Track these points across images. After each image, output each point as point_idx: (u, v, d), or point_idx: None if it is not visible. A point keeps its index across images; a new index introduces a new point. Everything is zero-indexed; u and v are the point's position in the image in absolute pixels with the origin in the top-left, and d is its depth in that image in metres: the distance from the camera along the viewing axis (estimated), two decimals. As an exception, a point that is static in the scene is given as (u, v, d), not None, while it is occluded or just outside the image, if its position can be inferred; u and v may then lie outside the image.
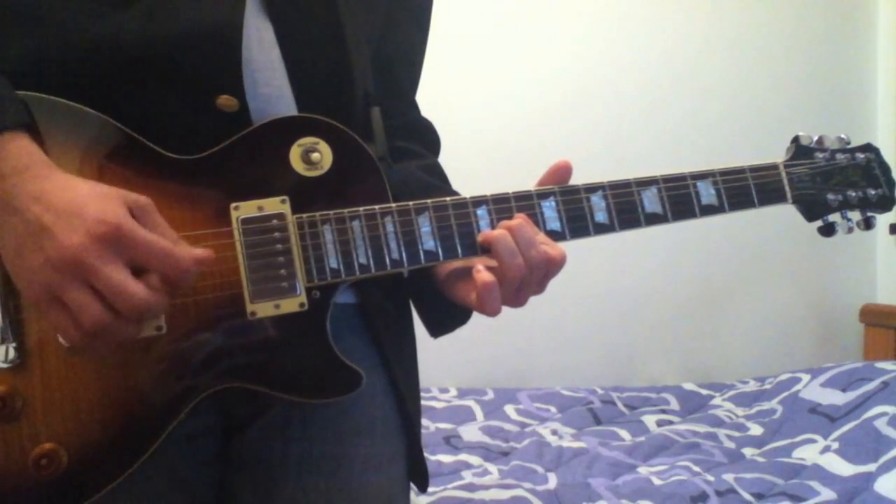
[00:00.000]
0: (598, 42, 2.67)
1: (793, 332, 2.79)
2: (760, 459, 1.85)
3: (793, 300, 2.80)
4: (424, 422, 2.11)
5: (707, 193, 0.90)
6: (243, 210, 0.76)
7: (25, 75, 0.71)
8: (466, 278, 0.83)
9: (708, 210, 0.90)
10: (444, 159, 1.05)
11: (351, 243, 0.78)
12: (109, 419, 0.72)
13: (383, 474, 0.90)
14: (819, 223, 0.98)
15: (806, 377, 2.24)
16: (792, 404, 2.14)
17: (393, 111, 0.96)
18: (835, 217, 0.98)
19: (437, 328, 0.95)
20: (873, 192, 0.98)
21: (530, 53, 2.63)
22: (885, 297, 2.80)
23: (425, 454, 1.87)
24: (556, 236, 0.84)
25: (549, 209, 0.85)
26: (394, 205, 0.81)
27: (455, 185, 0.98)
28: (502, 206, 0.83)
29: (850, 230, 0.98)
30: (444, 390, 2.40)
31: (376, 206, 0.80)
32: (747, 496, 1.59)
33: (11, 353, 0.70)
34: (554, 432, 2.09)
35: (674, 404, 2.35)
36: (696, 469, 1.77)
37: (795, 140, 0.97)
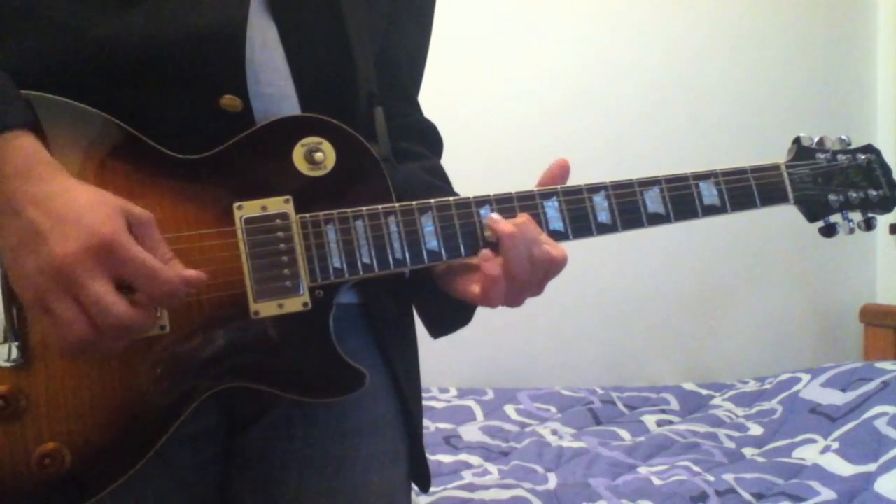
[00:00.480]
0: (599, 43, 2.68)
1: (793, 332, 2.80)
2: (760, 459, 1.86)
3: (793, 300, 2.80)
4: (424, 422, 2.10)
5: (709, 194, 0.90)
6: (247, 209, 0.75)
7: (29, 74, 0.71)
8: (466, 272, 0.83)
9: (710, 210, 0.90)
10: (445, 159, 1.05)
11: (354, 243, 0.78)
12: (113, 419, 0.72)
13: (385, 474, 0.90)
14: (820, 224, 0.98)
15: (806, 377, 2.24)
16: (792, 404, 2.14)
17: (396, 112, 0.95)
18: (836, 218, 0.98)
19: (438, 328, 0.95)
20: (874, 192, 0.99)
21: (531, 53, 2.64)
22: (885, 297, 2.81)
23: (426, 454, 1.87)
24: (559, 236, 0.84)
25: (552, 209, 0.85)
26: (397, 204, 0.81)
27: (457, 185, 0.98)
28: (505, 205, 0.83)
29: (852, 231, 0.99)
30: (444, 390, 2.40)
31: (379, 206, 0.80)
32: (747, 496, 1.60)
33: (14, 353, 0.69)
34: (554, 432, 2.09)
35: (674, 404, 2.35)
36: (696, 469, 1.77)
37: (797, 141, 0.97)
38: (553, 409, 2.28)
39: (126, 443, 0.72)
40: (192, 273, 0.69)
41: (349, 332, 0.85)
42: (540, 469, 1.81)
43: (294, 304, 0.76)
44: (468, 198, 0.83)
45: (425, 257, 0.81)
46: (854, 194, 0.98)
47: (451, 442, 2.00)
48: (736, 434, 2.09)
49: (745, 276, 2.76)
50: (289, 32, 0.82)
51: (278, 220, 0.76)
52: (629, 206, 0.87)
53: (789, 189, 0.94)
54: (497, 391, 2.38)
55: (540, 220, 0.84)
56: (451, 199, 0.82)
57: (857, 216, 0.99)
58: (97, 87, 0.73)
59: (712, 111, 2.72)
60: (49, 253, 0.63)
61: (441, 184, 0.95)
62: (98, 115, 0.72)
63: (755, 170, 0.93)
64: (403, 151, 0.96)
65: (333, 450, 0.86)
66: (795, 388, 2.22)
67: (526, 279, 0.80)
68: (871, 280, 2.85)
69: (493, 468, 1.82)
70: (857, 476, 1.63)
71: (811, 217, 0.97)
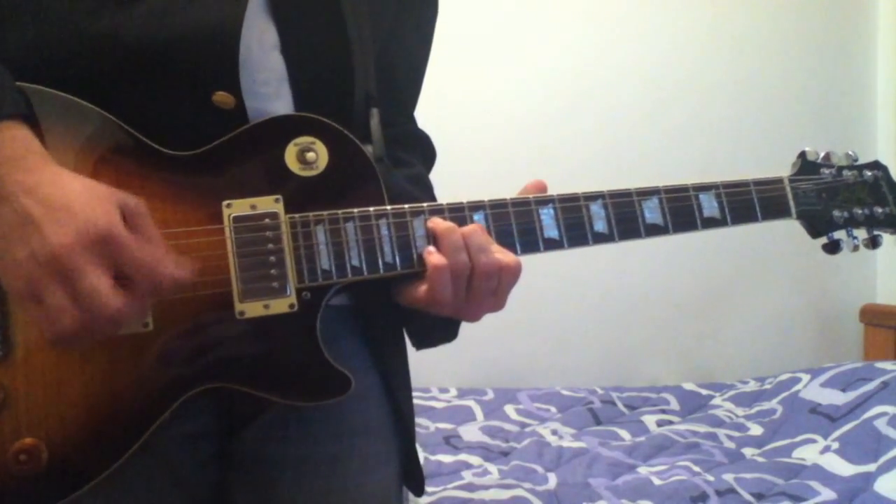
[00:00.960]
0: (597, 45, 2.66)
1: (793, 332, 2.79)
2: (760, 459, 1.85)
3: (793, 300, 2.80)
4: (424, 422, 2.11)
5: (709, 206, 0.89)
6: (235, 208, 0.75)
7: (24, 67, 0.71)
8: (415, 278, 0.81)
9: (710, 223, 0.89)
10: (443, 162, 1.04)
11: (344, 245, 0.78)
12: (93, 416, 0.71)
13: (379, 475, 0.89)
14: (824, 240, 0.97)
15: (806, 377, 2.23)
16: (792, 404, 2.13)
17: (390, 120, 0.95)
18: (840, 234, 0.96)
19: (420, 340, 0.94)
20: (880, 210, 0.97)
21: (530, 55, 2.63)
22: (885, 297, 2.79)
23: (425, 454, 1.88)
24: (554, 244, 0.84)
25: (548, 217, 0.84)
26: (389, 207, 0.80)
27: (455, 188, 0.96)
28: (499, 211, 0.83)
29: (856, 248, 0.97)
30: (444, 390, 2.40)
31: (371, 208, 0.79)
32: (747, 496, 1.59)
33: None
34: (554, 432, 2.08)
35: (674, 404, 2.35)
36: (696, 469, 1.77)
37: (802, 155, 0.96)
38: (553, 409, 2.28)
39: (105, 441, 0.72)
40: (188, 265, 0.69)
41: (340, 333, 0.86)
42: (540, 469, 1.80)
43: (280, 306, 0.75)
44: (462, 203, 0.82)
45: (415, 262, 0.80)
46: (859, 211, 0.97)
47: (451, 442, 2.00)
48: (736, 434, 2.08)
49: (745, 276, 2.76)
50: (287, 33, 0.82)
51: (267, 220, 0.76)
52: (627, 216, 0.86)
53: (792, 204, 0.93)
54: (497, 391, 2.38)
55: (535, 227, 0.83)
56: (444, 203, 0.82)
57: (861, 233, 0.98)
58: (93, 82, 0.74)
59: (712, 114, 2.70)
60: (43, 241, 0.62)
61: (419, 194, 0.92)
62: (91, 110, 0.73)
63: (757, 183, 0.92)
64: (392, 159, 0.95)
65: (327, 451, 0.86)
66: (795, 388, 2.21)
67: (474, 285, 0.78)
68: (871, 280, 2.83)
69: (493, 468, 1.82)
70: (857, 476, 1.63)
71: (814, 233, 0.96)
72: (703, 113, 2.70)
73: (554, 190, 0.86)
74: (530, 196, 0.84)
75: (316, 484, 0.85)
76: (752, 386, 2.45)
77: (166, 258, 0.68)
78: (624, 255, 2.61)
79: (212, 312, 0.74)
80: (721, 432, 2.08)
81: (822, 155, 0.96)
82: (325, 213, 0.78)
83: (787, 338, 2.77)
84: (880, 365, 2.12)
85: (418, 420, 1.95)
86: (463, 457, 1.88)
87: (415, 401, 1.00)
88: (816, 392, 2.11)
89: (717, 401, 2.39)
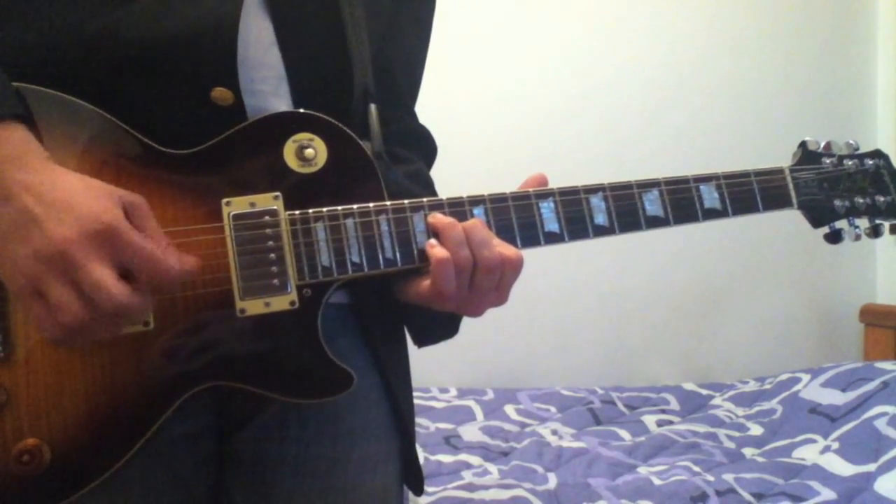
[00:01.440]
0: (598, 45, 2.67)
1: (793, 332, 2.79)
2: (760, 459, 1.85)
3: (793, 300, 2.80)
4: (424, 422, 2.10)
5: (710, 197, 0.88)
6: (235, 206, 0.75)
7: (21, 67, 0.71)
8: (417, 273, 0.81)
9: (711, 214, 0.89)
10: (444, 160, 1.04)
11: (344, 241, 0.77)
12: (95, 416, 0.71)
13: (378, 475, 0.89)
14: (825, 230, 0.96)
15: (806, 377, 2.23)
16: (792, 404, 2.13)
17: (390, 117, 0.94)
18: (842, 224, 0.96)
19: (421, 338, 0.94)
20: (882, 199, 0.97)
21: (530, 54, 2.63)
22: (885, 297, 2.80)
23: (425, 454, 1.88)
24: (555, 238, 0.83)
25: (548, 210, 0.83)
26: (388, 203, 0.80)
27: (455, 187, 0.96)
28: (499, 205, 0.82)
29: (858, 237, 0.96)
30: (444, 390, 2.40)
31: (370, 204, 0.79)
32: (747, 496, 1.59)
33: None
34: (554, 432, 2.08)
35: (674, 404, 2.35)
36: (696, 469, 1.76)
37: (802, 145, 0.95)
38: (553, 409, 2.27)
39: (108, 441, 0.72)
40: (191, 260, 0.69)
41: (340, 332, 0.85)
42: (540, 469, 1.80)
43: (281, 303, 0.75)
44: (461, 198, 0.82)
45: (416, 257, 0.80)
46: (861, 200, 0.96)
47: (451, 442, 2.00)
48: (736, 434, 2.08)
49: (745, 276, 2.76)
50: (284, 30, 0.82)
51: (267, 217, 0.76)
52: (627, 208, 0.85)
53: (793, 193, 0.93)
54: (497, 391, 2.38)
55: (535, 220, 0.83)
56: (444, 199, 0.81)
57: (863, 223, 0.97)
58: (91, 81, 0.73)
59: (713, 113, 2.71)
60: (46, 237, 0.62)
61: (418, 190, 0.91)
62: (89, 110, 0.72)
63: (758, 173, 0.91)
64: (392, 156, 0.95)
65: (326, 451, 0.86)
66: (795, 388, 2.21)
67: (477, 280, 0.78)
68: (871, 280, 2.84)
69: (493, 468, 1.81)
70: (857, 476, 1.63)
71: (815, 223, 0.95)
72: (703, 113, 2.70)
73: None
74: (530, 190, 0.84)
75: (315, 484, 0.85)
76: (752, 386, 2.45)
77: (170, 252, 0.68)
78: (624, 256, 2.61)
79: (213, 310, 0.74)
80: (721, 432, 2.08)
81: (822, 144, 0.96)
82: (324, 209, 0.77)
83: (787, 338, 2.77)
84: (880, 365, 2.12)
85: (418, 420, 1.95)
86: (463, 457, 1.88)
87: (415, 401, 0.99)
88: (816, 392, 2.11)
89: (717, 401, 2.39)
